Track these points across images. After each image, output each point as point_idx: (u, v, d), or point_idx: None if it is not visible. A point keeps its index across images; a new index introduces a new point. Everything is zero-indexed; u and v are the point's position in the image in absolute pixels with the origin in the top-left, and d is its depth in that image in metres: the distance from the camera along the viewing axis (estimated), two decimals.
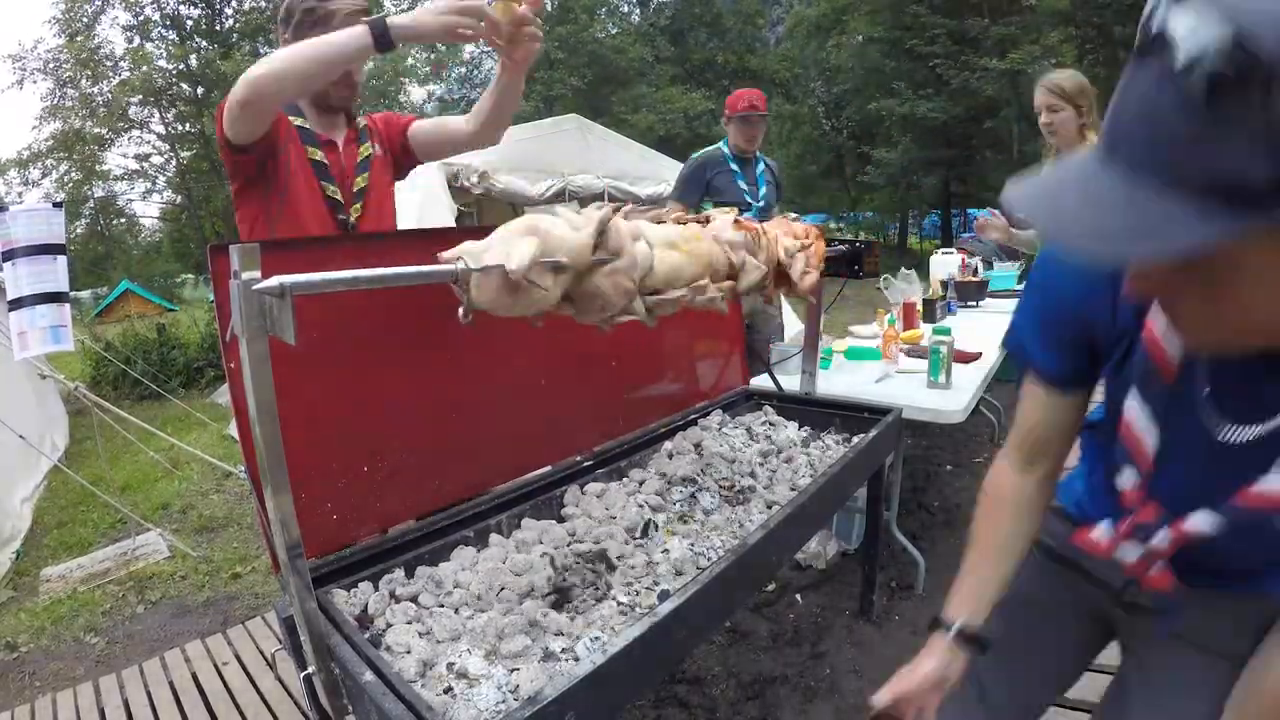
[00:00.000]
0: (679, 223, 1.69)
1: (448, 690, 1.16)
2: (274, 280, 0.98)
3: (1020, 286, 5.65)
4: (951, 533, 3.43)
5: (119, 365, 7.82)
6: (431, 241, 1.68)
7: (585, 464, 2.06)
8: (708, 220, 1.78)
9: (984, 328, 3.85)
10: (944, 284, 4.92)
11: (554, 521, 1.77)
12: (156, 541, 3.96)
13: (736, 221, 1.81)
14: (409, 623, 1.34)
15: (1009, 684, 1.25)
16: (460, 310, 1.18)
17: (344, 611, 1.33)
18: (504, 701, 1.12)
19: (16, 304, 3.91)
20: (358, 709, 1.15)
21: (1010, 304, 4.83)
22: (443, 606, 1.41)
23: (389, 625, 1.34)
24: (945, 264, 5.68)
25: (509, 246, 1.18)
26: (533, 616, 1.35)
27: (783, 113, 23.85)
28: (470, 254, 1.18)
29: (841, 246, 2.50)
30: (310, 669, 1.18)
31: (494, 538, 1.68)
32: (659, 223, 1.63)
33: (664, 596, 1.41)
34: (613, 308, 1.38)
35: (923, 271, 5.39)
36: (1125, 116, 0.57)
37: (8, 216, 3.87)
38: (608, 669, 1.10)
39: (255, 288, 0.98)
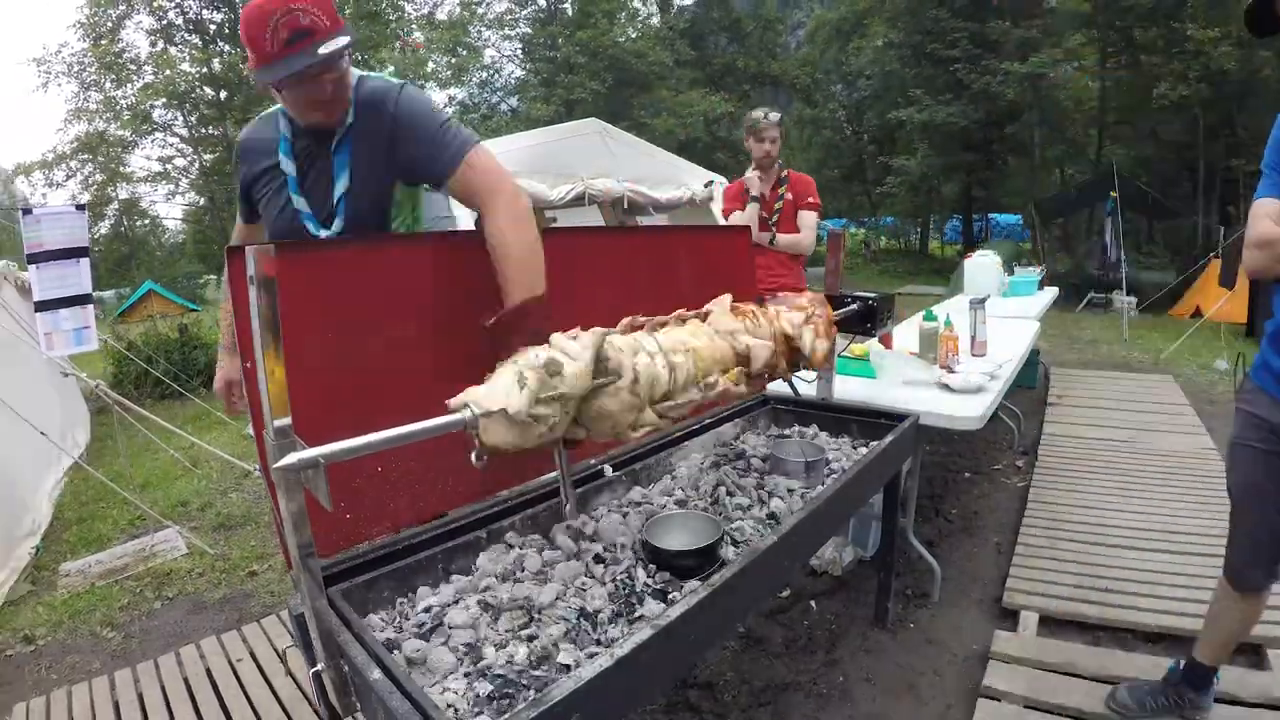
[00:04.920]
0: (680, 321, 1.72)
1: (455, 689, 1.16)
2: (311, 453, 1.05)
3: (1041, 291, 5.59)
4: (969, 540, 3.39)
5: (141, 365, 7.91)
6: (441, 243, 1.69)
7: (599, 468, 2.06)
8: (706, 315, 1.81)
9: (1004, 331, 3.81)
10: None
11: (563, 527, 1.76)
12: (174, 538, 4.00)
13: (734, 307, 1.84)
14: (419, 623, 1.34)
15: None
16: (473, 455, 1.23)
17: (354, 610, 1.33)
18: (512, 702, 1.11)
19: (42, 306, 3.99)
20: (365, 706, 1.15)
21: (1030, 305, 4.79)
22: (456, 606, 1.40)
23: (400, 624, 1.33)
24: (981, 267, 5.56)
25: (508, 387, 1.23)
26: (544, 620, 1.34)
27: (803, 117, 23.73)
28: (475, 400, 1.22)
29: (853, 305, 2.44)
30: (319, 665, 1.18)
31: (508, 537, 1.67)
32: (661, 326, 1.66)
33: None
34: (622, 424, 1.43)
35: (943, 277, 5.33)
36: None
37: (32, 220, 3.95)
38: (615, 673, 1.09)
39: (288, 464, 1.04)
